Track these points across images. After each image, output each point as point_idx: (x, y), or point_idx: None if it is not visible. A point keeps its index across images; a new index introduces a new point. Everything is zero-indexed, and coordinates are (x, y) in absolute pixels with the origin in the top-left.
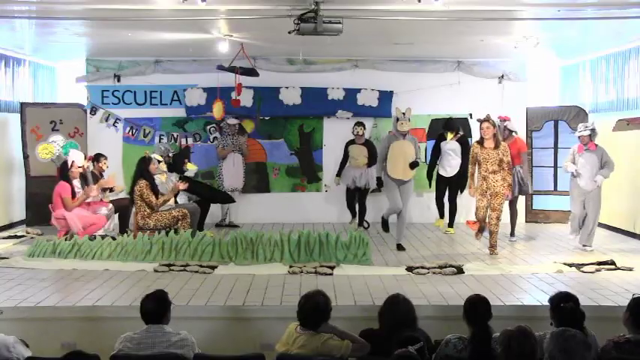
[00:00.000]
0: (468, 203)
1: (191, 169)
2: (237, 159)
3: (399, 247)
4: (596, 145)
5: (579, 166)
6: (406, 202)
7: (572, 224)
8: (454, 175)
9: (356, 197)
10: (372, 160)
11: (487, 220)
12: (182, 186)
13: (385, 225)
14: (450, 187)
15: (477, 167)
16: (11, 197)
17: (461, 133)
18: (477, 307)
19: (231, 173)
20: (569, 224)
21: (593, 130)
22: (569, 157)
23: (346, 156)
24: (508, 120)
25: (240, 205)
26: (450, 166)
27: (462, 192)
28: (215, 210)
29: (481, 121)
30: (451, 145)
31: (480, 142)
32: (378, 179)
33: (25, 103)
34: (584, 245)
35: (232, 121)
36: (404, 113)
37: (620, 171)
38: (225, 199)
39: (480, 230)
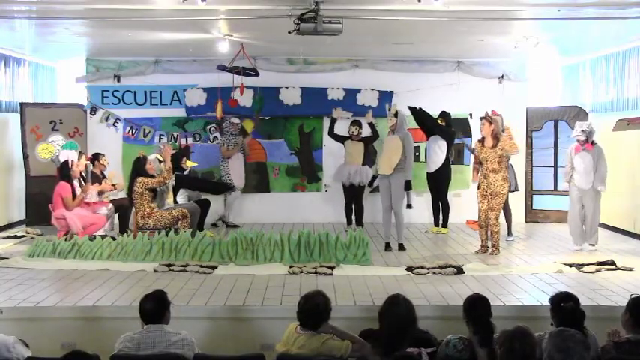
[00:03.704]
0: (467, 203)
1: (190, 166)
2: (241, 159)
3: (400, 247)
4: (593, 145)
5: (575, 165)
6: (397, 200)
7: (574, 233)
8: (435, 171)
9: (352, 199)
10: (367, 157)
11: (487, 221)
12: (170, 150)
13: (388, 247)
14: (436, 185)
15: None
16: (11, 197)
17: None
18: (477, 306)
19: (238, 173)
20: (571, 235)
21: (589, 133)
22: (567, 157)
23: (343, 138)
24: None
25: (240, 205)
26: (433, 162)
27: (446, 189)
28: (219, 209)
29: (481, 119)
30: (437, 141)
31: (481, 140)
32: (373, 177)
33: (25, 103)
34: (589, 243)
35: (235, 120)
36: (390, 110)
37: (620, 171)
38: (226, 188)
39: (484, 248)
